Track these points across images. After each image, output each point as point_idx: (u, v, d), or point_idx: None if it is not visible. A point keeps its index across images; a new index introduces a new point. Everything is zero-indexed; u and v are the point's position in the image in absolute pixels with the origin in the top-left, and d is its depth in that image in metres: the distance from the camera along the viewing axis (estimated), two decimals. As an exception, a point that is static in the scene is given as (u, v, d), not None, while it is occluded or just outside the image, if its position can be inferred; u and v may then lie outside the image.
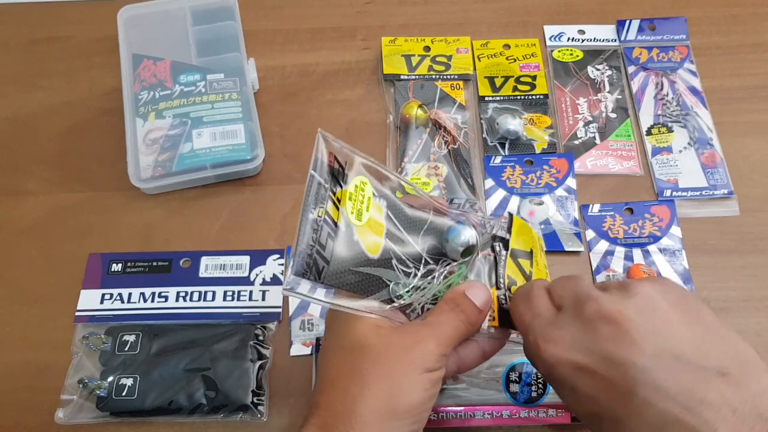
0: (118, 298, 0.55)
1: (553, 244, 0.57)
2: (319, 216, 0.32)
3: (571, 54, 0.68)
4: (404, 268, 0.36)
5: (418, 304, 0.36)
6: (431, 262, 0.38)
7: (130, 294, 0.55)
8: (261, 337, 0.53)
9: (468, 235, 0.38)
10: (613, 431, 0.30)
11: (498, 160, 0.62)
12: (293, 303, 0.55)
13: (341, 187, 0.34)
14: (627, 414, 0.29)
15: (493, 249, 0.40)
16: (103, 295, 0.55)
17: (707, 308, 0.32)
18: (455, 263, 0.38)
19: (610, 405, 0.30)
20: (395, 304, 0.35)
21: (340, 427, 0.32)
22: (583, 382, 0.31)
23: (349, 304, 0.34)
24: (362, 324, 0.34)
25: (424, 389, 0.33)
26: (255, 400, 0.50)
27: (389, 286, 0.35)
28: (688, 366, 0.28)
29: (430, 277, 0.37)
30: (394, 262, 0.36)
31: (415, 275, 0.37)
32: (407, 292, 0.36)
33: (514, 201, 0.60)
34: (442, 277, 0.37)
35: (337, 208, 0.33)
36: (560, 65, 0.68)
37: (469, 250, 0.38)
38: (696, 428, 0.27)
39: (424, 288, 0.36)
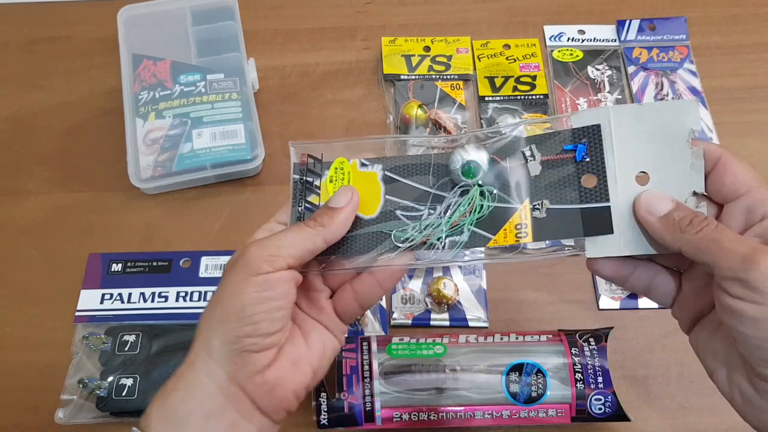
0: (118, 298, 0.55)
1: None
2: (300, 207, 0.38)
3: (571, 54, 0.68)
4: (412, 213, 0.37)
5: (436, 238, 0.36)
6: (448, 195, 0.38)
7: (130, 294, 0.55)
8: (261, 337, 0.53)
9: (460, 155, 0.37)
10: None
11: (498, 160, 0.62)
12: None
13: (321, 177, 0.39)
14: None
15: (523, 155, 0.37)
16: (103, 295, 0.55)
17: None
18: (462, 186, 0.37)
19: None
20: (402, 248, 0.36)
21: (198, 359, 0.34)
22: None
23: (351, 264, 0.37)
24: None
25: (248, 292, 0.33)
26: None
27: (391, 234, 0.37)
28: None
29: (439, 210, 0.37)
30: (398, 212, 0.38)
31: (429, 215, 0.37)
32: (415, 231, 0.37)
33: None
34: (453, 205, 0.37)
35: (318, 195, 0.39)
36: (560, 65, 0.68)
37: (470, 170, 0.37)
38: None
39: (433, 224, 0.37)
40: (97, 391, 0.50)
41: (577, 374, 0.48)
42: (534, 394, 0.48)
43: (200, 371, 0.33)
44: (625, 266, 0.35)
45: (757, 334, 0.29)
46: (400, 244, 0.36)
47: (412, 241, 0.36)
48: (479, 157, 0.37)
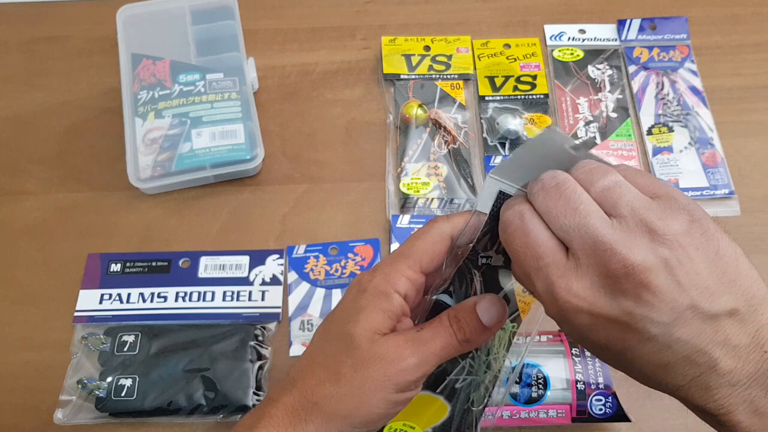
0: (117, 298, 0.55)
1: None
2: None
3: (572, 53, 0.68)
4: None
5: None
6: None
7: (129, 294, 0.55)
8: (260, 338, 0.53)
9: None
10: (619, 361, 0.31)
11: (498, 160, 0.62)
12: (293, 303, 0.55)
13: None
14: (637, 355, 0.30)
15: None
16: (102, 295, 0.55)
17: (725, 239, 0.32)
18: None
19: (622, 344, 0.30)
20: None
21: (302, 414, 0.33)
22: (600, 327, 0.30)
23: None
24: (362, 322, 0.34)
25: (387, 407, 0.34)
26: (254, 401, 0.50)
27: None
28: (701, 314, 0.29)
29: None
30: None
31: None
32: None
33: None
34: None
35: None
36: (561, 65, 0.68)
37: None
38: (699, 364, 0.29)
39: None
40: (96, 392, 0.50)
41: (577, 374, 0.48)
42: (534, 395, 0.48)
43: None
44: None
45: None
46: None
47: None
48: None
